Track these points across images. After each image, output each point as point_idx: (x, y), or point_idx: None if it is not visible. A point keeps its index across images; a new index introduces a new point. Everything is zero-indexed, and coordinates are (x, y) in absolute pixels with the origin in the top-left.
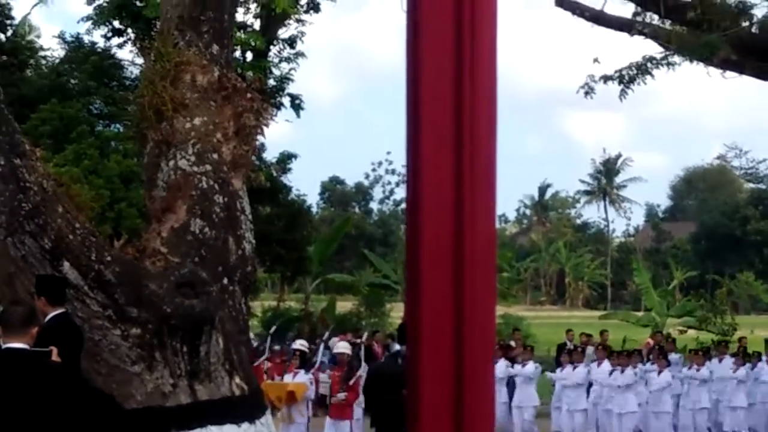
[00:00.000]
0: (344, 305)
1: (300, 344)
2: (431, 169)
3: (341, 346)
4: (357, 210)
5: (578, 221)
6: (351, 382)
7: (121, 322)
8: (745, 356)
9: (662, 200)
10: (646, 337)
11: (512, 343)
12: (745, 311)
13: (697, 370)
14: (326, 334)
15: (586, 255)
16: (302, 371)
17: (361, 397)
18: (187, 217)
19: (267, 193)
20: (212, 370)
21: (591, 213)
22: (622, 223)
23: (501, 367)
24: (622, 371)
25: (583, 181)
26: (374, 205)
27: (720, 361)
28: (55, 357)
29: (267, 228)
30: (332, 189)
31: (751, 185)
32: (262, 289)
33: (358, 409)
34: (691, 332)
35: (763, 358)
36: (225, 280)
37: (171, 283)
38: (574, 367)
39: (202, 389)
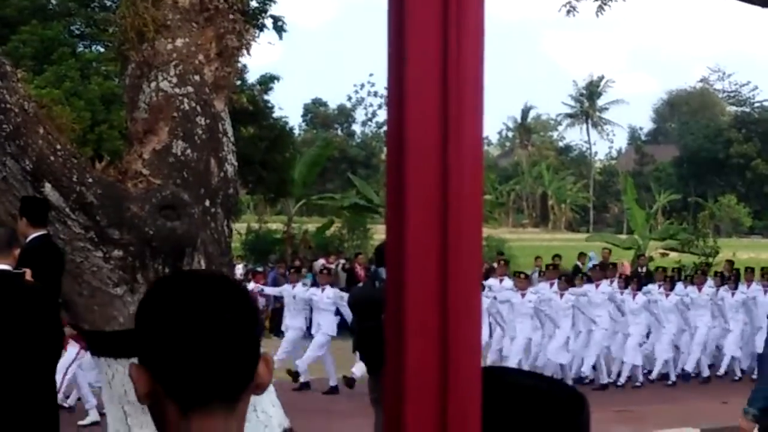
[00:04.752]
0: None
1: None
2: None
3: None
4: (339, 132)
5: (561, 144)
6: None
7: (103, 244)
8: (723, 279)
9: (645, 123)
10: (629, 259)
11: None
12: (727, 234)
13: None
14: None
15: (568, 178)
16: None
17: None
18: (169, 139)
19: (249, 114)
20: None
21: (573, 136)
22: (605, 145)
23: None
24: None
25: (565, 104)
26: (357, 127)
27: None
28: (28, 277)
29: (249, 150)
30: (315, 111)
31: (734, 108)
32: (245, 210)
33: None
34: (674, 255)
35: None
36: (207, 202)
37: (153, 205)
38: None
39: None
